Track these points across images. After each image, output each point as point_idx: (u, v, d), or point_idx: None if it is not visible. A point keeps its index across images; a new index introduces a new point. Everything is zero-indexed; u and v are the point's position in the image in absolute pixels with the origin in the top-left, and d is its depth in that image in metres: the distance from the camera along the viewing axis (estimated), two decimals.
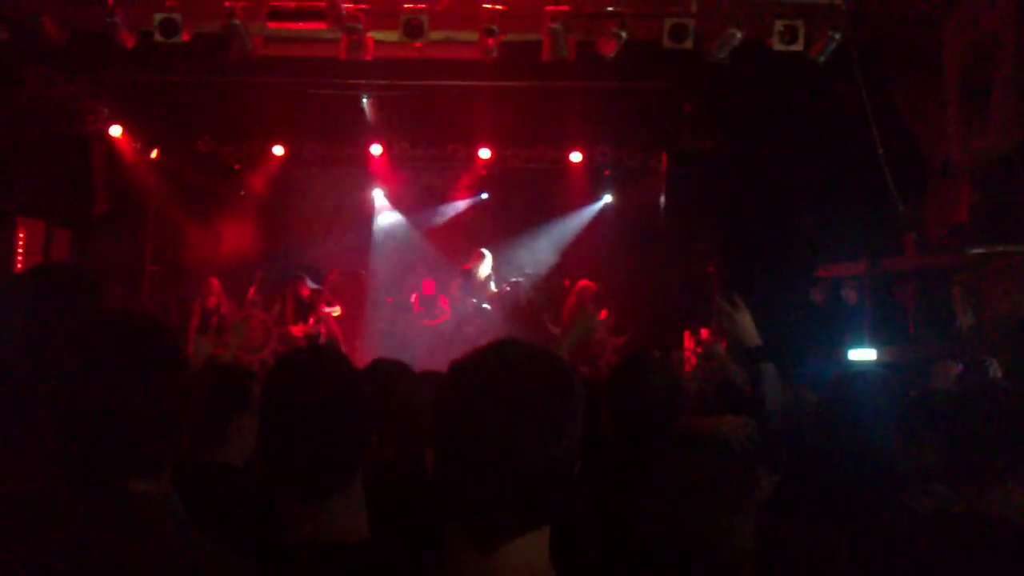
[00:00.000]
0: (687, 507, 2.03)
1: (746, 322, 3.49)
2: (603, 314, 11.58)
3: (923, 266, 9.73)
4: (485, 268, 11.81)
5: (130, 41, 8.14)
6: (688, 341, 10.99)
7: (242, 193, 12.84)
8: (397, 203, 13.36)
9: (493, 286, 11.84)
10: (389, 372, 3.12)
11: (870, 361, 8.77)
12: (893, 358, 8.79)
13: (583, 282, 12.01)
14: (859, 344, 9.36)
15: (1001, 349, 6.99)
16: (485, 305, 11.64)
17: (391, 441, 2.83)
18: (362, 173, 12.95)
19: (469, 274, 11.80)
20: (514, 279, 12.36)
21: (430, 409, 2.71)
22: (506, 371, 1.56)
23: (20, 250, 9.95)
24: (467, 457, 1.52)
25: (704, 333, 10.43)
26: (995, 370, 4.80)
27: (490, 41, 8.40)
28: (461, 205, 13.33)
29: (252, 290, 11.38)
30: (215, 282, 11.09)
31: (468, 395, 1.55)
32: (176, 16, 7.98)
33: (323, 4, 8.18)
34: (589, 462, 1.67)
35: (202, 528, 1.73)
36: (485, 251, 11.87)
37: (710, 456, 2.32)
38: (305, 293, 11.37)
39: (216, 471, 2.89)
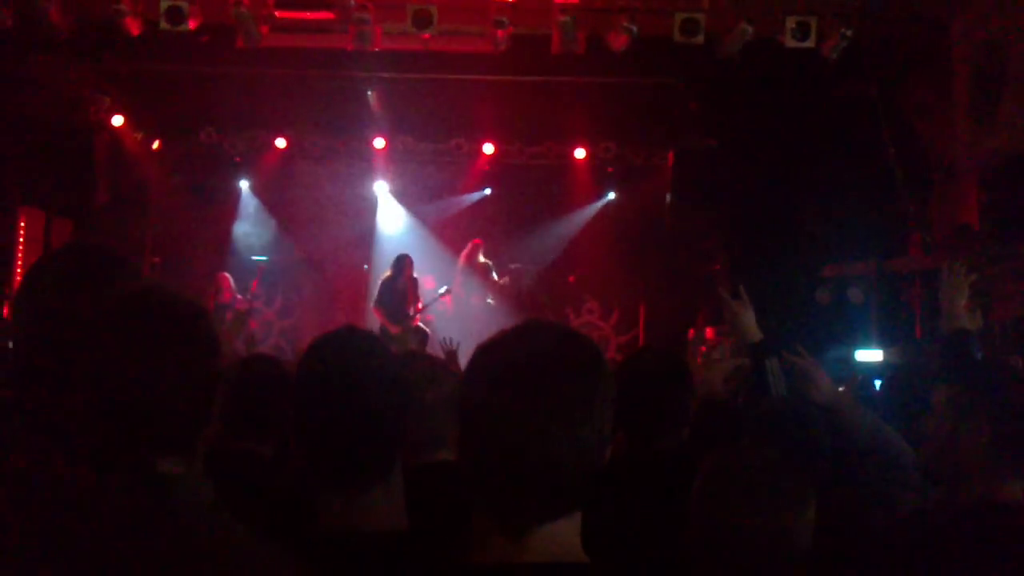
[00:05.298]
0: (749, 505, 1.97)
1: (748, 317, 3.52)
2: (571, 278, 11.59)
3: (929, 267, 9.69)
4: (482, 256, 11.76)
5: (136, 28, 8.07)
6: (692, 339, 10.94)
7: (243, 184, 12.76)
8: (400, 197, 13.28)
9: (495, 275, 11.78)
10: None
11: (877, 361, 8.72)
12: (900, 359, 8.74)
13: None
14: (865, 344, 9.32)
15: (1012, 351, 6.94)
16: (488, 300, 11.57)
17: None
18: (365, 166, 12.88)
19: (467, 267, 11.73)
20: (513, 266, 12.30)
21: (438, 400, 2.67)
22: (532, 352, 1.51)
23: (21, 238, 9.87)
24: (494, 441, 1.47)
25: (709, 332, 10.38)
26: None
27: (499, 33, 8.36)
28: (464, 200, 13.26)
29: (255, 283, 11.31)
30: (226, 277, 11.01)
31: (494, 378, 1.50)
32: (183, 4, 7.91)
33: None
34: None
35: (234, 514, 1.67)
36: (479, 241, 11.82)
37: (768, 450, 2.25)
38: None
39: (248, 459, 2.83)
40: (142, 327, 1.64)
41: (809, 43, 8.18)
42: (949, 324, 3.58)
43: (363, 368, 1.95)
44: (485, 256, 11.91)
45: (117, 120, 11.34)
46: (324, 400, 1.93)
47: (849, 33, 8.21)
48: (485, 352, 1.55)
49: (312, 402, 1.96)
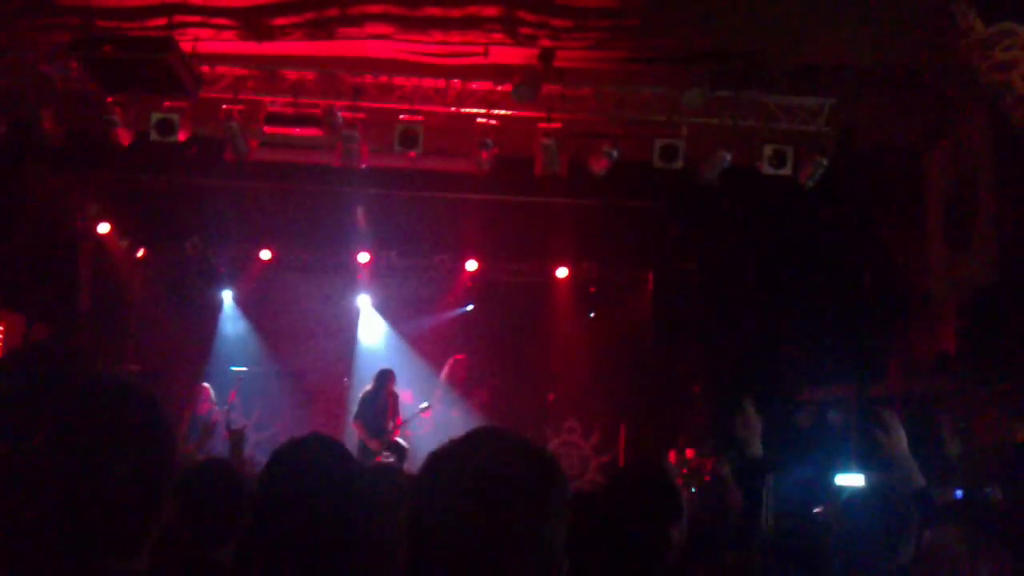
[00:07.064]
0: None
1: (757, 431, 3.48)
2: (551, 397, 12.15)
3: (909, 392, 9.70)
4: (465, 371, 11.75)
5: (126, 139, 8.18)
6: (673, 461, 10.82)
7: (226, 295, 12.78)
8: (382, 311, 13.30)
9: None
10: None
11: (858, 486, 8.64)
12: (880, 484, 8.65)
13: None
14: (846, 469, 9.25)
15: (994, 478, 6.90)
16: None
17: None
18: (348, 280, 12.94)
19: (448, 383, 11.69)
20: (490, 374, 12.29)
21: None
22: (486, 463, 1.48)
23: None
24: (447, 560, 1.42)
25: (689, 453, 10.29)
26: (996, 497, 4.73)
27: (483, 154, 8.50)
28: (446, 315, 13.28)
29: (232, 394, 11.19)
30: (206, 388, 10.90)
31: (447, 490, 1.47)
32: (174, 116, 8.04)
33: (319, 111, 8.26)
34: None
35: None
36: (461, 357, 11.81)
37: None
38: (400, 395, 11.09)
39: (204, 567, 2.75)
40: (90, 419, 1.58)
41: (786, 170, 8.34)
42: (904, 485, 3.44)
43: (327, 477, 1.93)
44: (466, 370, 11.88)
45: (103, 228, 11.39)
46: (286, 506, 1.90)
47: (825, 162, 8.39)
48: (435, 462, 1.52)
49: (273, 507, 1.92)
